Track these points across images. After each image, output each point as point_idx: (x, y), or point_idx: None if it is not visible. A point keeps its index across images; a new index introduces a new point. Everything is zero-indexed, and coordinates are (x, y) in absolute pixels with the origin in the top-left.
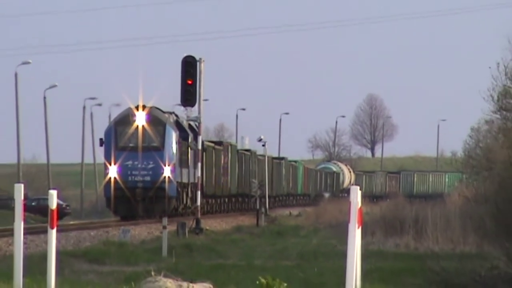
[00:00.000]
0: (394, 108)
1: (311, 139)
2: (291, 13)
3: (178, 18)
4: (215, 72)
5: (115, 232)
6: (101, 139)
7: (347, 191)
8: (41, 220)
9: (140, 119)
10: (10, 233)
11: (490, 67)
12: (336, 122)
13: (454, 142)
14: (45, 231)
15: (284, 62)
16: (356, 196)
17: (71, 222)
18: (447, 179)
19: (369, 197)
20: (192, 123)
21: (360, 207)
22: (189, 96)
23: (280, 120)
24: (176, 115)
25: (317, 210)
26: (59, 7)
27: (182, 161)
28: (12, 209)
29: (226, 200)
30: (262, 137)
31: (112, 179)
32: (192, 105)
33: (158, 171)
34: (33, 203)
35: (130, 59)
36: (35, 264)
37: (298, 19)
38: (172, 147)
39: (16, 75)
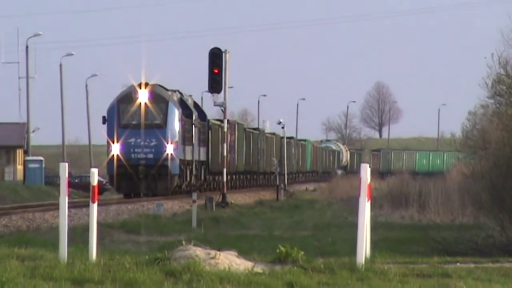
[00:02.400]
0: (400, 94)
1: (325, 122)
2: (306, 8)
3: (206, 14)
4: (240, 62)
5: (149, 206)
6: (103, 117)
7: (344, 167)
8: (84, 195)
9: (143, 97)
10: (55, 207)
11: (485, 57)
12: (348, 106)
13: (453, 125)
14: (87, 205)
15: (301, 53)
16: (366, 172)
17: (111, 197)
18: (417, 157)
19: (357, 173)
20: (196, 101)
21: (370, 183)
22: (215, 84)
23: (297, 105)
24: (181, 93)
25: (331, 185)
26: (98, 5)
27: (186, 139)
28: (57, 185)
29: (234, 177)
30: (281, 120)
31: (115, 157)
32: (218, 92)
33: (160, 148)
34: (76, 180)
35: (162, 51)
36: (78, 235)
37: (313, 14)
38: (174, 125)
39: (61, 65)
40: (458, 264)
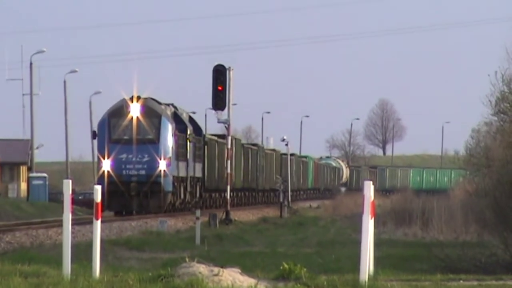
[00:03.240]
0: (403, 111)
1: (328, 139)
2: (310, 26)
3: (210, 31)
4: (243, 80)
5: (153, 223)
6: (94, 132)
7: (344, 184)
8: (87, 212)
9: (135, 111)
10: (59, 223)
11: (489, 75)
12: (351, 124)
13: (457, 142)
14: (90, 222)
15: (305, 70)
16: (369, 190)
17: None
18: (411, 174)
19: (356, 190)
20: (193, 116)
21: (373, 200)
22: (219, 101)
23: (301, 122)
24: (175, 107)
25: (334, 202)
26: (98, 22)
27: (179, 155)
28: (61, 202)
29: (232, 194)
30: (285, 137)
31: (106, 173)
32: (222, 109)
33: (153, 164)
34: (79, 197)
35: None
36: (82, 252)
37: (316, 32)
38: (168, 140)
39: (64, 82)
40: (461, 281)
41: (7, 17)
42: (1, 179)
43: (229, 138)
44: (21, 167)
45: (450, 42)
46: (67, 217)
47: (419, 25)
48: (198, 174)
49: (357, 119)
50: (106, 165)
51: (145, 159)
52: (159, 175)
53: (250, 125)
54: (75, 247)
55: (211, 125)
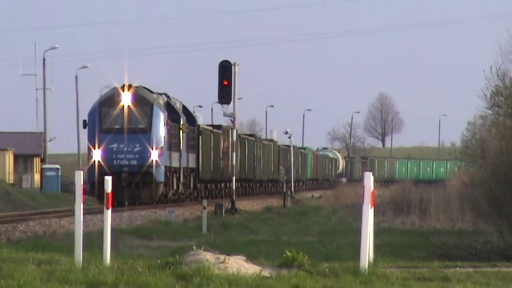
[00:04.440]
0: (402, 105)
1: (330, 132)
2: (312, 23)
3: (215, 28)
4: (248, 75)
5: (161, 212)
6: (84, 121)
7: (341, 174)
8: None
9: (126, 99)
10: (71, 213)
11: (484, 70)
12: (352, 117)
13: (454, 134)
14: (101, 212)
15: (308, 66)
16: (369, 181)
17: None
18: (397, 165)
19: (350, 179)
20: (186, 105)
21: (373, 191)
22: (225, 95)
23: (304, 115)
24: (168, 96)
25: (336, 192)
26: (108, 18)
27: (172, 145)
28: (73, 192)
29: (228, 185)
30: (288, 130)
31: (96, 163)
32: (228, 103)
33: (145, 154)
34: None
35: (175, 63)
36: (93, 240)
37: (318, 29)
38: (160, 129)
39: (76, 77)
40: (458, 268)
41: (21, 14)
42: (15, 170)
43: (235, 131)
44: (35, 159)
45: (446, 38)
46: (79, 206)
47: (417, 22)
48: (192, 164)
49: (358, 112)
50: (97, 155)
51: (136, 149)
52: (150, 165)
53: (255, 119)
54: (86, 235)
55: (217, 118)
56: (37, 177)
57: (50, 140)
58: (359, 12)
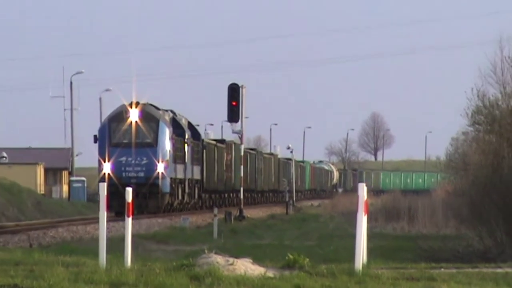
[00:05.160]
0: (392, 123)
1: (327, 147)
2: (312, 50)
3: (225, 55)
4: (254, 96)
5: (177, 219)
6: (95, 136)
7: (335, 185)
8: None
9: (134, 116)
10: (96, 220)
11: (465, 91)
12: (347, 133)
13: (439, 149)
14: (123, 219)
15: (308, 88)
16: (363, 191)
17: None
18: (382, 177)
19: (344, 189)
20: (191, 121)
21: (366, 200)
22: (233, 114)
23: (304, 132)
24: (174, 113)
25: (333, 201)
26: (129, 47)
27: (177, 158)
28: (97, 202)
29: (232, 195)
30: (290, 145)
31: (106, 175)
32: (236, 121)
33: (151, 167)
34: None
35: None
36: (116, 244)
37: (317, 55)
38: (165, 144)
39: (100, 99)
40: (442, 269)
41: (49, 41)
42: (46, 182)
43: (242, 146)
44: (63, 172)
45: (432, 63)
46: (103, 214)
47: (406, 50)
48: (197, 176)
49: (352, 129)
50: (107, 167)
51: (143, 162)
52: (157, 177)
53: (260, 135)
54: (109, 240)
55: (226, 135)
56: (65, 188)
57: (76, 155)
58: (354, 41)
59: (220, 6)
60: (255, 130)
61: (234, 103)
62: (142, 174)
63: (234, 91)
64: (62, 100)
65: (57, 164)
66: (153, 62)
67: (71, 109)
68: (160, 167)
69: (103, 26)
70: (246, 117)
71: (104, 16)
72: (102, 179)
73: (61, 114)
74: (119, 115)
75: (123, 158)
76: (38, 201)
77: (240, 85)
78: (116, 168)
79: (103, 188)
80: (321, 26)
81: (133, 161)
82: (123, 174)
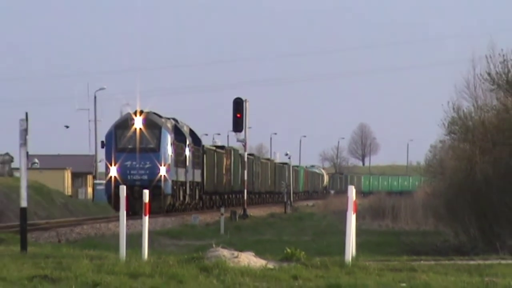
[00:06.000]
0: (378, 132)
1: (321, 153)
2: (308, 67)
3: (230, 72)
4: (257, 108)
5: (188, 218)
6: (102, 142)
7: (326, 188)
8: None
9: (138, 123)
10: (117, 219)
11: (442, 104)
12: (338, 142)
13: (419, 155)
14: (140, 218)
15: (304, 101)
16: (352, 192)
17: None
18: (363, 180)
19: (333, 190)
20: (191, 129)
21: (355, 200)
22: (238, 125)
23: (300, 140)
24: (176, 120)
25: (326, 202)
26: (143, 65)
27: (178, 162)
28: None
29: (231, 196)
30: (288, 152)
31: (113, 178)
32: (240, 131)
33: (154, 170)
34: None
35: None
36: (134, 240)
37: (312, 72)
38: (167, 149)
39: (121, 112)
40: (422, 261)
41: (75, 60)
42: (72, 185)
43: (245, 153)
44: (88, 176)
45: (413, 79)
46: (123, 214)
47: (390, 67)
48: (198, 179)
49: (343, 138)
50: (113, 171)
51: (147, 166)
52: (159, 180)
53: (262, 143)
54: (129, 236)
55: (231, 144)
56: (89, 190)
57: (100, 161)
58: (345, 59)
59: (225, 28)
60: (257, 138)
61: (238, 115)
62: (145, 177)
63: (238, 105)
64: (87, 112)
65: (83, 169)
66: (172, 78)
67: (95, 121)
68: (162, 171)
69: (124, 45)
70: (249, 127)
71: (123, 38)
72: (109, 182)
73: (86, 124)
74: (124, 123)
75: (128, 162)
76: (66, 201)
77: (244, 99)
78: (121, 171)
79: (123, 190)
80: (316, 46)
81: (137, 165)
82: (128, 177)
